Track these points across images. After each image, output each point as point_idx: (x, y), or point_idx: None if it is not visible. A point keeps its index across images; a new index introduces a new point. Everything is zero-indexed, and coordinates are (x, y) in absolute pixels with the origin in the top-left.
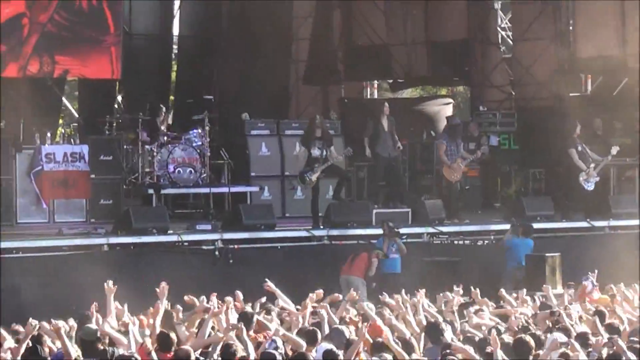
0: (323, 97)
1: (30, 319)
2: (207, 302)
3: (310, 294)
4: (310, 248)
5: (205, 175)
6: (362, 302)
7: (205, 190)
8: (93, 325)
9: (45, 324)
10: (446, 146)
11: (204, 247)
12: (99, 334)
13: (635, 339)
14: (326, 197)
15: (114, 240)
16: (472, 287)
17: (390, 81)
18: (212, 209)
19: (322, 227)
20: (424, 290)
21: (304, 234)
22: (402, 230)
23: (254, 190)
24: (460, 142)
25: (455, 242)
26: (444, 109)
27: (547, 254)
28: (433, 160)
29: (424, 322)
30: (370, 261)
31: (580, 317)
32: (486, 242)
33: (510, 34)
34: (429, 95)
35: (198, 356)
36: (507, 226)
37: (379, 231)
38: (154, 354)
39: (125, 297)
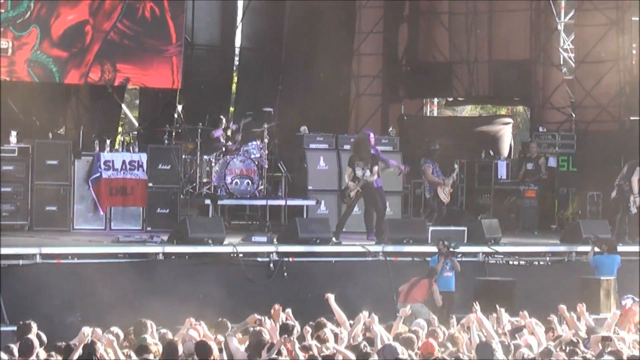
0: (382, 113)
1: (84, 328)
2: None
3: (364, 312)
4: (364, 263)
5: (262, 187)
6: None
7: (262, 202)
8: (148, 337)
9: (98, 331)
10: (432, 168)
11: (259, 259)
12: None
13: None
14: (356, 213)
15: (169, 249)
16: (522, 310)
17: (450, 99)
18: (268, 221)
19: (377, 243)
20: (478, 307)
21: (359, 249)
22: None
23: (310, 204)
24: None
25: (510, 262)
26: (504, 129)
27: (602, 277)
28: (491, 179)
29: (477, 341)
30: (431, 289)
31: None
32: (541, 262)
33: (572, 55)
34: (488, 115)
35: None
36: (563, 248)
37: (434, 249)
38: None
39: (179, 307)
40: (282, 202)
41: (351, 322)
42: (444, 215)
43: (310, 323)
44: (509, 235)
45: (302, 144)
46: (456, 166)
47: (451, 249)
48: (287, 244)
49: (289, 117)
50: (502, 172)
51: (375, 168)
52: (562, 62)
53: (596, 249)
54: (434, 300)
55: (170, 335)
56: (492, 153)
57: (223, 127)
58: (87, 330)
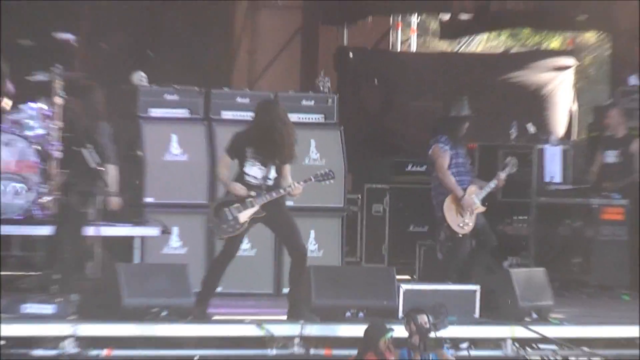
0: (305, 44)
1: None
2: None
3: None
4: None
5: (48, 199)
6: None
7: (45, 231)
8: None
9: None
10: (450, 156)
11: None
12: None
13: None
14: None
15: None
16: None
17: (446, 18)
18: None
19: (290, 318)
20: None
21: (251, 331)
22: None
23: (150, 234)
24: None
25: None
26: (557, 81)
27: None
28: (530, 183)
29: None
30: None
31: None
32: None
33: None
34: (525, 51)
35: None
36: None
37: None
38: None
39: None
40: (92, 232)
41: None
42: (460, 258)
43: None
44: (568, 302)
45: (134, 108)
46: (510, 161)
47: (437, 331)
48: (99, 322)
49: (110, 51)
50: (554, 167)
51: (287, 169)
52: None
53: None
54: None
55: None
56: (531, 129)
57: None
58: None
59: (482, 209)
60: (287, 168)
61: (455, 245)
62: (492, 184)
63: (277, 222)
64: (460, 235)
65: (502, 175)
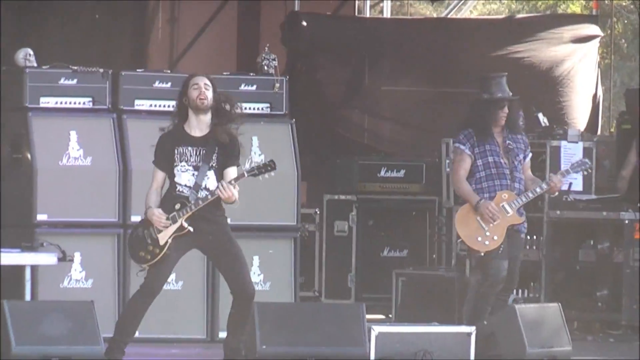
0: (243, 12)
1: None
2: None
3: None
4: None
5: None
6: None
7: None
8: None
9: None
10: (470, 156)
11: None
12: None
13: None
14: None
15: None
16: None
17: None
18: None
19: None
20: None
21: None
22: None
23: (47, 262)
24: (514, 143)
25: None
26: (577, 57)
27: None
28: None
29: None
30: None
31: None
32: None
33: None
34: (533, 16)
35: None
36: None
37: None
38: None
39: None
40: None
41: None
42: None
43: None
44: (591, 348)
45: (22, 99)
46: (585, 163)
47: None
48: None
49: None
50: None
51: (232, 172)
52: None
53: None
54: None
55: None
56: (543, 120)
57: None
58: None
59: (516, 219)
60: (230, 173)
61: (487, 270)
62: (538, 189)
63: (217, 251)
64: (483, 254)
65: (558, 177)
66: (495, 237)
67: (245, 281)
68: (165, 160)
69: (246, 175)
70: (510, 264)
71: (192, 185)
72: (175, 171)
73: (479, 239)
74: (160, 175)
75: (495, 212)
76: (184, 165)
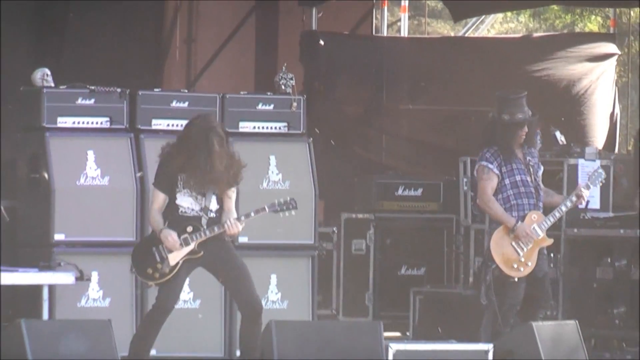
0: (261, 29)
1: None
2: None
3: None
4: None
5: None
6: None
7: None
8: None
9: None
10: (497, 176)
11: None
12: None
13: None
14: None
15: None
16: None
17: None
18: None
19: None
20: None
21: None
22: None
23: (63, 281)
24: (532, 158)
25: None
26: (594, 75)
27: None
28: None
29: None
30: None
31: None
32: None
33: None
34: (552, 35)
35: None
36: None
37: None
38: None
39: None
40: None
41: None
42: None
43: None
44: None
45: (39, 119)
46: (600, 174)
47: None
48: None
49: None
50: (591, 189)
51: (229, 201)
52: None
53: None
54: None
55: None
56: (561, 138)
57: None
58: None
59: (547, 241)
60: (230, 199)
61: (506, 292)
62: (564, 207)
63: (221, 268)
64: (515, 280)
65: (584, 191)
66: (530, 263)
67: (250, 296)
68: (167, 182)
69: (267, 210)
70: (537, 283)
71: (197, 209)
72: (178, 195)
73: (515, 265)
74: (161, 196)
75: (532, 236)
76: (187, 191)
